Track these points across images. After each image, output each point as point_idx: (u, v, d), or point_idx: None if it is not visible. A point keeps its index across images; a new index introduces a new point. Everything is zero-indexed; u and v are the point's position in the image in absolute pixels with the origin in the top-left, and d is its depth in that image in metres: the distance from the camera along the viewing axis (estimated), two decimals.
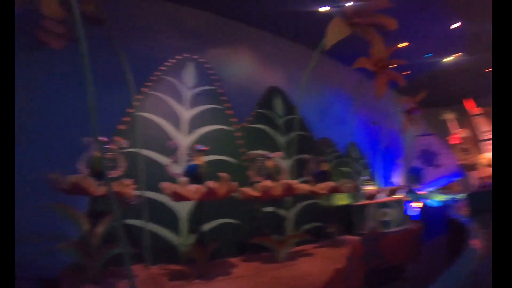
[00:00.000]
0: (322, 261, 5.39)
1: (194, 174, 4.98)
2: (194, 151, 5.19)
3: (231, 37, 8.59)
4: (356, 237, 6.54)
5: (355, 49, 7.07)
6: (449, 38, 11.26)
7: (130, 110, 5.71)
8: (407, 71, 12.77)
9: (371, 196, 7.71)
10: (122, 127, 5.81)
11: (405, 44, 11.07)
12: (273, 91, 7.91)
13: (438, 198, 11.49)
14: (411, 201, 10.91)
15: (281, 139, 7.24)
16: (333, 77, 9.92)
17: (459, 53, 12.28)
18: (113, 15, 5.56)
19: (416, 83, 13.66)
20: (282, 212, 6.63)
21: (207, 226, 5.88)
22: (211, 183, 4.66)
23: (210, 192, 4.63)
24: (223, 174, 4.84)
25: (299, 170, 6.90)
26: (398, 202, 7.64)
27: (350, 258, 5.25)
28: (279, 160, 6.19)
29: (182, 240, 5.70)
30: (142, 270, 5.00)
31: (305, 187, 5.80)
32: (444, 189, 13.15)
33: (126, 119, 5.91)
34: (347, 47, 7.30)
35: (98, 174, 4.39)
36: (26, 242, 4.86)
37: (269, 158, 5.85)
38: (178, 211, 5.84)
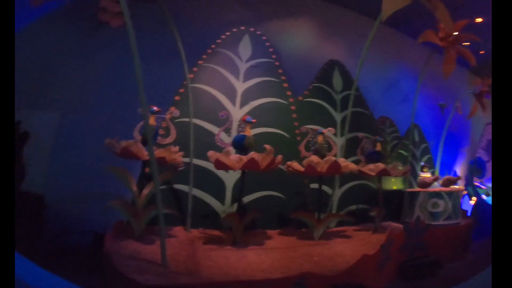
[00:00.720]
0: (358, 244, 5.25)
1: (241, 145, 5.09)
2: (243, 123, 5.24)
3: (291, 8, 8.39)
4: (400, 225, 6.22)
5: (425, 22, 6.56)
6: None
7: (185, 82, 5.87)
8: (482, 50, 11.83)
9: (425, 184, 7.21)
10: (177, 98, 6.10)
11: (480, 19, 10.14)
12: (332, 65, 7.63)
13: None
14: (470, 195, 10.20)
15: (337, 115, 7.00)
16: (399, 52, 9.32)
17: None
18: None
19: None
20: (328, 190, 6.49)
21: (250, 197, 5.99)
22: (254, 154, 4.72)
23: (252, 162, 4.67)
24: (268, 146, 4.92)
25: (352, 149, 6.68)
26: (454, 194, 7.09)
27: (385, 246, 5.04)
28: (331, 136, 6.07)
29: (225, 208, 5.92)
30: (183, 232, 5.33)
31: (353, 167, 5.59)
32: None
33: (181, 90, 6.20)
34: (416, 19, 6.74)
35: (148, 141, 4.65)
36: (86, 200, 5.69)
37: (320, 133, 5.71)
38: (225, 180, 6.01)
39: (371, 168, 5.90)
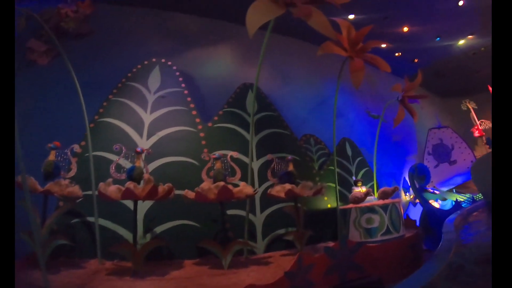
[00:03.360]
0: (272, 271, 4.83)
1: (130, 175, 5.08)
2: (136, 154, 5.26)
3: (211, 36, 8.36)
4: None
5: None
6: (458, 17, 10.20)
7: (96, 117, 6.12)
8: (415, 58, 11.81)
9: (357, 199, 6.76)
10: (87, 133, 5.90)
11: (406, 29, 10.16)
12: (246, 88, 7.36)
13: (452, 199, 10.23)
14: (418, 203, 9.77)
15: (251, 138, 6.70)
16: (329, 67, 9.14)
17: (472, 35, 11.10)
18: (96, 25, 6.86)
19: (429, 71, 12.63)
20: (250, 216, 6.11)
21: (164, 226, 5.82)
22: (129, 184, 4.73)
23: (128, 192, 4.68)
24: (146, 176, 4.99)
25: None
26: (389, 206, 6.63)
27: (294, 273, 4.57)
28: (235, 160, 5.81)
29: (138, 238, 5.49)
30: (96, 264, 5.26)
31: (248, 190, 5.19)
32: (460, 188, 11.78)
33: (91, 125, 6.13)
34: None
35: (48, 175, 4.99)
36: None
37: (218, 159, 5.40)
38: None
39: (278, 190, 5.51)
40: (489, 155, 8.42)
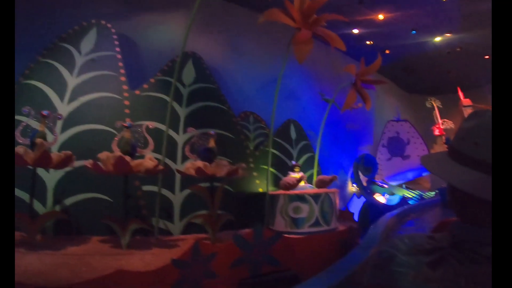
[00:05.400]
0: (173, 256, 4.40)
1: (31, 140, 4.70)
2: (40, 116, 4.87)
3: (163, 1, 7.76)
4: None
5: None
6: (439, 12, 9.79)
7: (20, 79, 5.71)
8: (386, 49, 11.40)
9: (288, 185, 6.36)
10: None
11: (382, 16, 9.68)
12: (187, 57, 6.88)
13: (400, 194, 10.02)
14: (362, 196, 9.50)
15: (181, 110, 6.26)
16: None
17: (449, 33, 10.72)
18: None
19: (399, 64, 12.27)
20: (168, 193, 5.78)
21: (74, 199, 5.42)
22: (19, 149, 4.35)
23: (18, 157, 4.25)
24: (38, 140, 4.58)
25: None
26: (322, 196, 6.23)
27: (186, 261, 4.24)
28: (152, 131, 5.42)
29: (47, 209, 5.31)
30: None
31: (148, 164, 4.73)
32: (410, 184, 11.59)
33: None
34: None
35: None
36: None
37: (128, 127, 5.01)
38: (47, 180, 5.41)
39: (188, 167, 5.11)
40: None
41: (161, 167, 4.97)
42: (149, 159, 4.74)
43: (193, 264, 4.32)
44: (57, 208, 5.34)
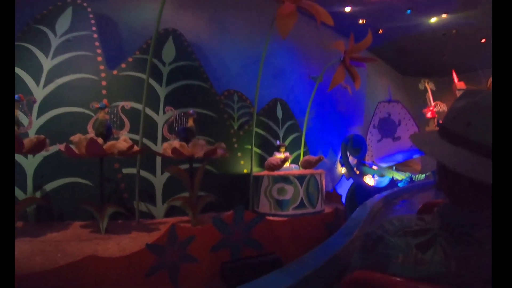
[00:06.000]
0: (151, 240, 4.25)
1: None
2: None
3: None
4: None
5: None
6: None
7: None
8: (380, 29, 11.14)
9: (272, 166, 6.21)
10: None
11: None
12: (167, 35, 6.64)
13: (390, 176, 9.90)
14: (351, 178, 9.36)
15: (161, 89, 6.07)
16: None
17: (446, 14, 10.46)
18: None
19: (393, 45, 12.02)
20: (149, 176, 5.64)
21: (53, 184, 5.28)
22: None
23: None
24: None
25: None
26: (307, 177, 6.09)
27: (161, 246, 4.12)
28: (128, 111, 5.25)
29: (28, 196, 5.17)
30: None
31: (121, 145, 4.53)
32: (400, 166, 11.47)
33: None
34: None
35: None
36: None
37: (102, 108, 4.82)
38: (25, 166, 5.27)
39: (165, 147, 4.95)
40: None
41: (136, 148, 4.79)
42: (123, 141, 4.56)
43: (168, 249, 4.20)
44: (38, 194, 5.20)
